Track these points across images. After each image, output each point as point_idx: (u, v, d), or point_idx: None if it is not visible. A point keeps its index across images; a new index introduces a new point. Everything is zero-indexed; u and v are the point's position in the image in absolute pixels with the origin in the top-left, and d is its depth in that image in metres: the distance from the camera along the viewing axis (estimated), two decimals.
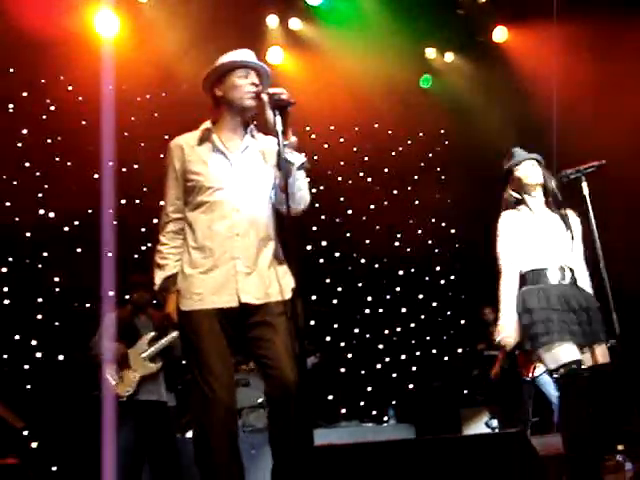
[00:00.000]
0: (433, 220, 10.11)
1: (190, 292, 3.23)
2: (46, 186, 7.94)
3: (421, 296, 9.82)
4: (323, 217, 9.57)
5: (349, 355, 9.20)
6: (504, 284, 4.21)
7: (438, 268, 10.04)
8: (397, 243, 9.90)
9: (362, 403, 9.02)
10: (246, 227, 3.29)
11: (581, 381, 3.90)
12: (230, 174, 3.34)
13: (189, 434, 6.22)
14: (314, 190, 9.45)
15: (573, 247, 4.26)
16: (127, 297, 6.05)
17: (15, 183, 7.79)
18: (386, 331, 9.53)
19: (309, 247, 9.15)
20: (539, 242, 4.20)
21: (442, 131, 10.30)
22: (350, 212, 9.73)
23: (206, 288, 3.22)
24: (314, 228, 9.40)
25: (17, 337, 7.37)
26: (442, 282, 10.03)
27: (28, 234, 7.74)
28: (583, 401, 3.88)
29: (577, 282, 4.20)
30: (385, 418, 8.43)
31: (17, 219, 7.66)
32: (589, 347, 4.05)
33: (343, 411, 8.64)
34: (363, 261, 9.72)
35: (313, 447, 2.94)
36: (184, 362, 5.60)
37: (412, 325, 9.66)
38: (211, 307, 3.20)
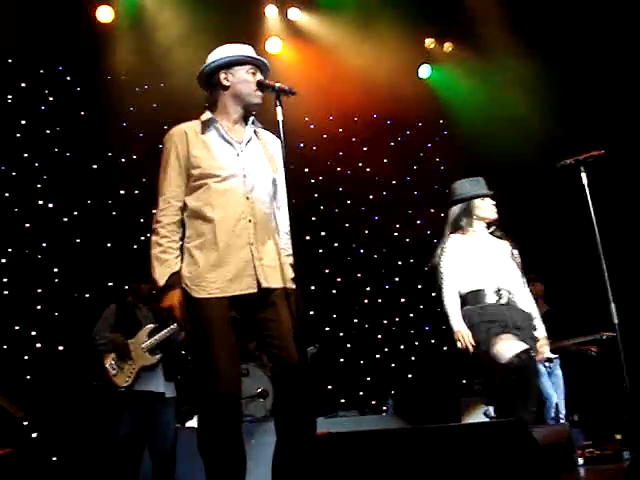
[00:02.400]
0: (432, 210, 10.11)
1: (205, 280, 3.22)
2: (45, 176, 7.93)
3: (420, 286, 9.82)
4: (322, 207, 9.57)
5: (348, 345, 9.22)
6: (448, 298, 4.61)
7: None
8: (396, 233, 9.90)
9: (361, 393, 9.03)
10: (256, 215, 3.31)
11: (532, 366, 4.39)
12: (237, 163, 3.35)
13: (189, 423, 6.23)
14: (313, 180, 9.51)
15: (515, 272, 4.67)
16: (127, 288, 6.05)
17: (14, 174, 7.78)
18: (385, 321, 9.54)
19: (308, 237, 9.15)
20: (478, 265, 4.63)
21: (441, 121, 10.30)
22: (349, 202, 9.72)
23: (223, 276, 3.21)
24: (313, 218, 9.40)
25: (17, 327, 7.36)
26: None
27: (27, 224, 7.73)
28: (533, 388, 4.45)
29: (515, 303, 4.58)
30: (384, 408, 8.45)
31: (16, 210, 7.66)
32: None
33: (342, 401, 8.66)
34: (362, 251, 9.72)
35: (315, 435, 2.96)
36: (184, 353, 5.67)
37: (411, 315, 9.67)
38: (228, 295, 3.20)
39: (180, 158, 3.34)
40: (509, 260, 4.70)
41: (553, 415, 7.28)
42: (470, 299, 4.60)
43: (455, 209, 4.86)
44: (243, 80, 3.41)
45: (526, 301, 4.66)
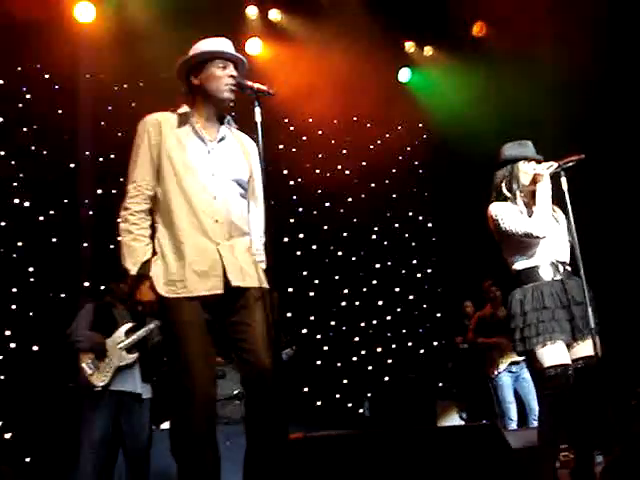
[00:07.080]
0: (410, 213, 10.15)
1: (172, 279, 3.17)
2: (21, 175, 7.86)
3: (397, 289, 9.86)
4: (300, 209, 9.57)
5: (325, 347, 9.22)
6: (528, 223, 4.11)
7: (415, 261, 10.08)
8: (374, 236, 9.92)
9: (338, 396, 9.04)
10: (224, 215, 3.26)
11: (566, 383, 3.93)
12: (208, 161, 3.31)
13: (164, 425, 6.19)
14: (291, 182, 9.51)
15: (567, 241, 4.24)
16: (105, 287, 6.00)
17: None
18: (362, 324, 9.55)
19: (286, 239, 9.14)
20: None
21: (420, 125, 10.33)
22: (328, 205, 9.72)
23: (190, 275, 3.16)
24: (291, 220, 9.39)
25: None
26: (418, 275, 10.08)
27: (3, 223, 7.67)
28: (566, 400, 3.93)
29: (571, 275, 4.15)
30: (360, 410, 8.46)
31: None
32: (581, 340, 4.04)
33: (318, 403, 8.66)
34: (340, 254, 9.73)
35: (287, 439, 2.94)
36: (160, 352, 5.63)
37: (388, 318, 9.69)
38: (195, 295, 3.16)
39: (152, 147, 3.30)
40: (562, 229, 4.26)
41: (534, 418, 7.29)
42: (524, 277, 4.15)
43: (498, 174, 4.39)
44: (211, 76, 3.35)
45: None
